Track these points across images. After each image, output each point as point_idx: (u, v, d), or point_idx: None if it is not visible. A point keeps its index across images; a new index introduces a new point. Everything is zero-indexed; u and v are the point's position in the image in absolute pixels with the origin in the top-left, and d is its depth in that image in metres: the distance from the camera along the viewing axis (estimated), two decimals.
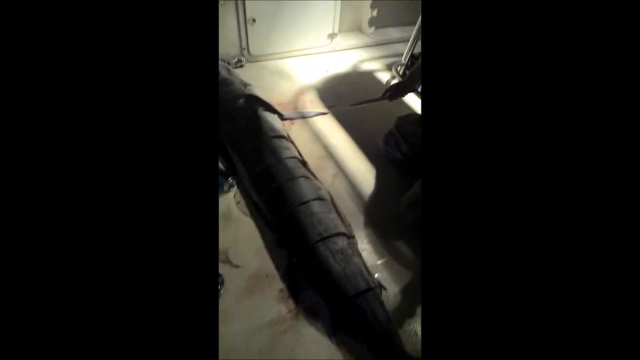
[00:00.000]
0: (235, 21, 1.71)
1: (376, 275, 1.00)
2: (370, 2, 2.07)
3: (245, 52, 1.83)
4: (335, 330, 0.89)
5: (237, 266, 1.01)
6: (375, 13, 2.11)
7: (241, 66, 1.82)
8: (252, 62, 1.86)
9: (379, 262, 1.07)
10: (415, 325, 0.92)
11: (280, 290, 0.97)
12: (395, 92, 1.39)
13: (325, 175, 1.30)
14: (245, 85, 1.45)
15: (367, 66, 1.99)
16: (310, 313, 0.93)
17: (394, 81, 1.84)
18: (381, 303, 0.89)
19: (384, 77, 1.91)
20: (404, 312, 0.94)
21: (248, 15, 1.70)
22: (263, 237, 1.09)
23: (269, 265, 1.03)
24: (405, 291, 1.00)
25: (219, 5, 1.61)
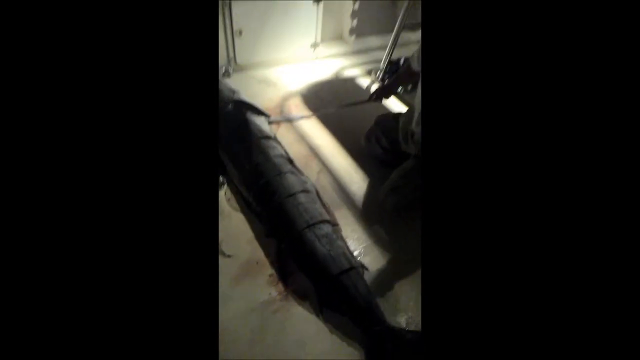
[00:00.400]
0: (222, 33, 1.81)
1: (358, 258, 1.08)
2: (350, 12, 2.20)
3: (232, 62, 1.93)
4: (322, 307, 0.96)
5: (229, 256, 1.09)
6: (355, 23, 2.24)
7: (228, 76, 1.91)
8: (239, 71, 1.96)
9: (361, 246, 1.15)
10: (394, 300, 1.01)
11: (271, 275, 1.05)
12: (381, 94, 1.50)
13: (311, 172, 1.39)
14: (234, 92, 1.54)
15: (348, 72, 2.10)
16: (299, 294, 1.00)
17: (374, 85, 1.95)
18: (363, 280, 0.97)
19: (365, 82, 2.02)
20: (384, 288, 1.03)
21: (235, 27, 1.80)
22: (253, 228, 1.17)
23: (259, 253, 1.11)
24: (385, 270, 1.09)
25: None
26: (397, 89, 1.57)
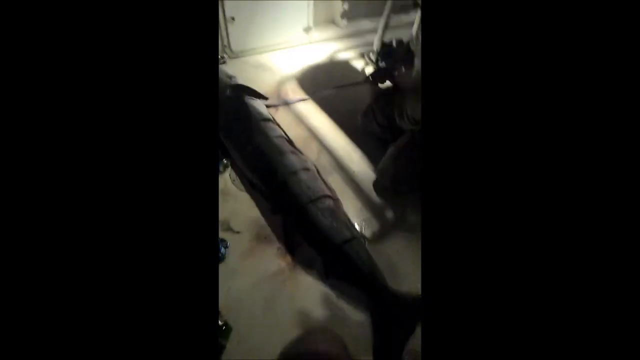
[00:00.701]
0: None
1: (359, 229, 1.15)
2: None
3: (227, 49, 1.95)
4: (328, 275, 1.03)
5: (238, 232, 1.14)
6: (346, 6, 2.26)
7: (224, 62, 1.94)
8: (234, 58, 1.98)
9: (361, 219, 1.22)
10: (394, 268, 1.08)
11: (278, 248, 1.11)
12: (377, 77, 1.54)
13: (310, 152, 1.44)
14: (231, 77, 1.57)
15: (342, 56, 2.13)
16: (306, 264, 1.07)
17: (368, 68, 1.99)
18: (365, 249, 1.04)
19: (358, 64, 2.06)
20: (384, 258, 1.09)
21: (227, 14, 1.82)
22: (259, 206, 1.23)
23: (266, 229, 1.17)
24: (384, 241, 1.16)
25: None
26: (393, 72, 1.60)
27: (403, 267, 1.10)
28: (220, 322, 0.89)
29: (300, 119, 1.63)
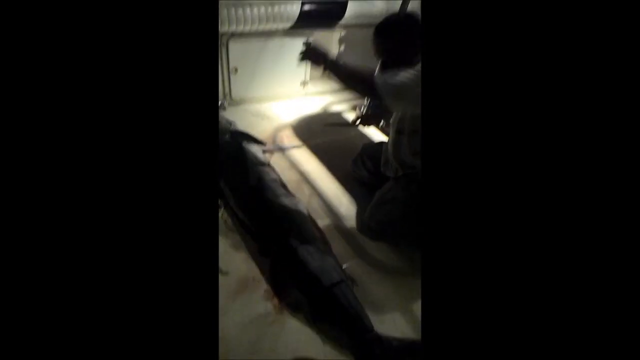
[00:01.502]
0: (219, 70, 1.97)
1: (347, 272, 1.16)
2: (336, 54, 2.42)
3: (228, 96, 2.07)
4: (315, 319, 1.03)
5: (226, 272, 1.15)
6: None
7: (224, 109, 2.05)
8: (234, 105, 2.10)
9: (349, 262, 1.23)
10: (380, 311, 1.08)
11: (266, 290, 1.11)
12: (363, 120, 1.61)
13: (302, 196, 1.49)
14: (230, 123, 1.66)
15: (335, 108, 2.28)
16: (293, 307, 1.06)
17: (356, 111, 2.11)
18: (352, 292, 1.05)
19: (350, 116, 2.19)
20: (371, 300, 1.10)
21: (231, 65, 1.97)
22: (248, 247, 1.24)
23: (254, 270, 1.17)
24: (371, 284, 1.17)
25: None
26: (380, 119, 1.69)
27: (390, 311, 1.10)
28: None
29: (293, 164, 1.70)
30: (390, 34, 1.21)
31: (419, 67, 1.00)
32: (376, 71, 1.13)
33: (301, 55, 1.28)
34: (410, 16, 1.24)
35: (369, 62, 2.32)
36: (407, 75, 1.01)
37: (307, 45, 1.28)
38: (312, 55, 1.26)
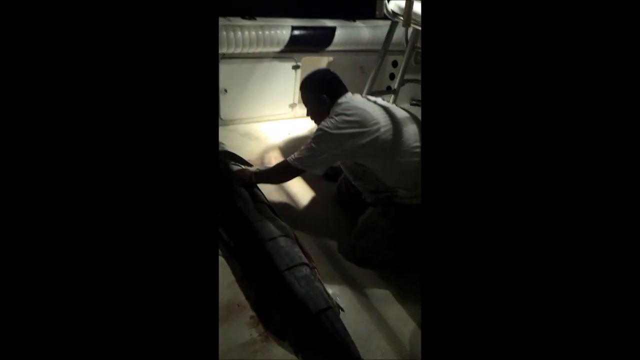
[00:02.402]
0: None
1: (334, 299, 1.15)
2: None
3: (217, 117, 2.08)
4: (301, 346, 1.01)
5: None
6: None
7: None
8: (223, 125, 2.11)
9: (336, 288, 1.23)
10: (367, 339, 1.07)
11: (251, 317, 1.09)
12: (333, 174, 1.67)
13: (288, 219, 1.48)
14: (219, 144, 1.66)
15: None
16: (279, 334, 1.05)
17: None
18: (339, 319, 1.04)
19: None
20: (357, 327, 1.09)
21: (220, 86, 1.98)
22: (233, 272, 1.22)
23: (240, 296, 1.15)
24: (358, 311, 1.16)
25: None
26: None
27: (376, 339, 1.09)
28: None
29: (280, 186, 1.70)
30: (302, 88, 1.43)
31: (317, 128, 1.25)
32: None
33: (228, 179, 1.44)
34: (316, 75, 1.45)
35: (356, 85, 2.38)
36: (306, 146, 1.24)
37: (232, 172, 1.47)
38: (239, 179, 1.43)
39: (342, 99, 1.28)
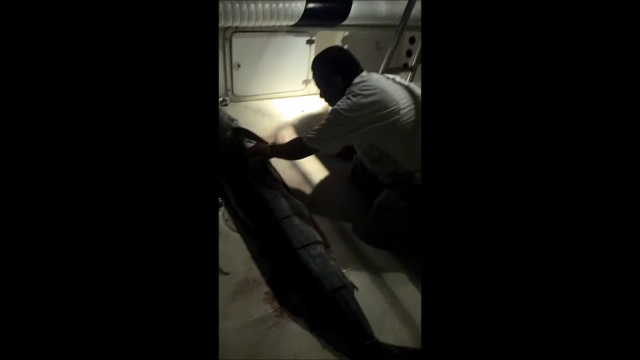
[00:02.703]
0: (222, 65, 1.94)
1: (349, 278, 1.16)
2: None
3: (230, 92, 2.05)
4: (315, 324, 1.02)
5: (227, 273, 1.14)
6: None
7: (225, 105, 2.02)
8: (236, 101, 2.08)
9: (350, 267, 1.23)
10: (381, 318, 1.08)
11: (266, 293, 1.10)
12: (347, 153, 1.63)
13: (303, 197, 1.48)
14: (232, 120, 1.64)
15: None
16: (293, 311, 1.06)
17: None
18: (353, 298, 1.05)
19: None
20: (372, 307, 1.10)
21: (234, 61, 1.94)
22: (249, 248, 1.23)
23: (255, 272, 1.16)
24: (372, 291, 1.16)
25: None
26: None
27: (389, 319, 1.10)
28: None
29: (294, 164, 1.69)
30: (314, 69, 1.34)
31: (332, 109, 1.18)
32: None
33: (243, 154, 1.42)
34: (332, 51, 1.35)
35: (371, 62, 2.32)
36: (319, 126, 1.19)
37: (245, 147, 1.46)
38: (255, 152, 1.41)
39: (358, 79, 1.21)
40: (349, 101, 1.13)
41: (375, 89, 1.13)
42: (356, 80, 1.21)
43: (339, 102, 1.16)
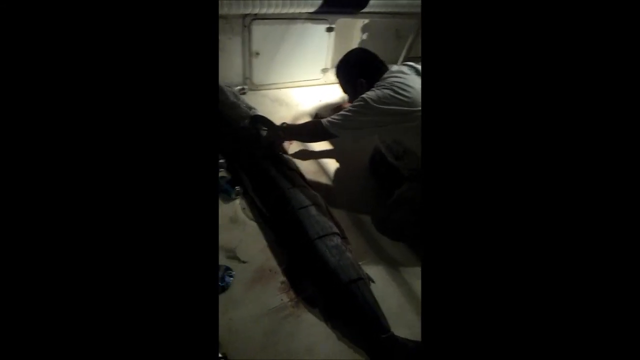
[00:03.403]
0: (240, 53, 1.93)
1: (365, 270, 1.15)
2: (359, 42, 2.35)
3: (248, 81, 2.04)
4: (331, 315, 1.02)
5: (243, 262, 1.14)
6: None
7: (244, 93, 2.01)
8: (254, 90, 2.07)
9: (367, 259, 1.22)
10: (397, 312, 1.07)
11: (282, 283, 1.11)
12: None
13: (319, 188, 1.46)
14: (250, 108, 1.63)
15: None
16: (309, 301, 1.06)
17: None
18: (370, 291, 1.04)
19: None
20: (388, 300, 1.09)
21: (253, 49, 1.92)
22: (266, 237, 1.23)
23: (272, 261, 1.17)
24: (388, 283, 1.15)
25: (228, 39, 1.84)
26: None
27: (405, 312, 1.09)
28: (220, 355, 0.87)
29: (312, 155, 1.67)
30: (338, 74, 1.37)
31: (356, 102, 1.15)
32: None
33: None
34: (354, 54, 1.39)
35: (390, 51, 2.25)
36: (344, 112, 1.17)
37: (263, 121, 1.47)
38: (271, 133, 1.42)
39: (388, 73, 1.18)
40: (379, 92, 1.11)
41: (407, 87, 1.10)
42: (386, 75, 1.19)
43: (368, 92, 1.14)
